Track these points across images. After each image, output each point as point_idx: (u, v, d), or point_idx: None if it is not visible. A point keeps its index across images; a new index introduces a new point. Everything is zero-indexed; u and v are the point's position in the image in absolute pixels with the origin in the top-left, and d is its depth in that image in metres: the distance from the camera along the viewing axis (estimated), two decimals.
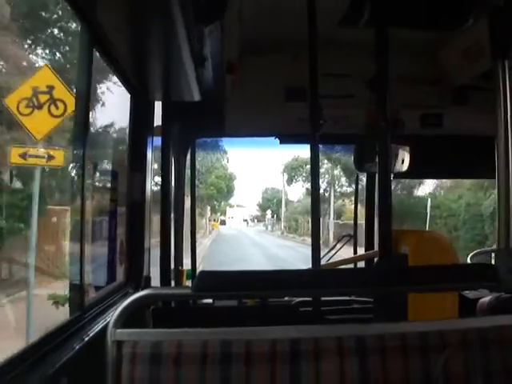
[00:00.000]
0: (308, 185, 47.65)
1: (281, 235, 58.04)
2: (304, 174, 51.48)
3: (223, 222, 74.42)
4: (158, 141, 4.17)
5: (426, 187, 32.80)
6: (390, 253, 3.41)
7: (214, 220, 68.08)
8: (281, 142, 4.89)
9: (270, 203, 71.96)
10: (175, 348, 2.08)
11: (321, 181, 42.53)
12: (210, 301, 4.32)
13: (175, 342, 2.09)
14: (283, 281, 2.20)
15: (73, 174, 2.97)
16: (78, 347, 2.44)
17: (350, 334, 2.14)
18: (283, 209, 63.28)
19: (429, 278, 2.26)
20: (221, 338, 2.10)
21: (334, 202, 44.21)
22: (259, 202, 76.99)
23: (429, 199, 27.82)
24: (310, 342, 2.10)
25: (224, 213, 76.32)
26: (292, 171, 53.88)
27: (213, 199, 56.99)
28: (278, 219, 68.02)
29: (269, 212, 72.64)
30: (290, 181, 55.61)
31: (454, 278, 2.29)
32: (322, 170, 41.75)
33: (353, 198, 5.79)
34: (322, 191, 42.89)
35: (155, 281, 4.18)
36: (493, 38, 2.97)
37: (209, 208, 57.21)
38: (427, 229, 23.76)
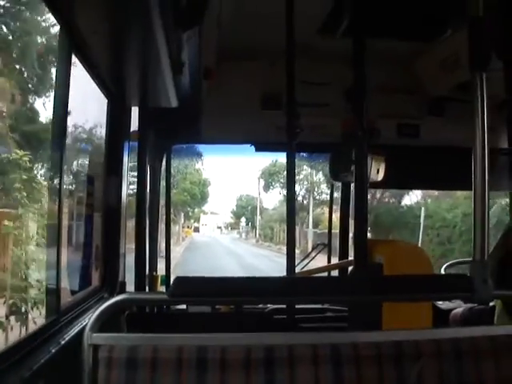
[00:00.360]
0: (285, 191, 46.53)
1: (256, 243, 56.24)
2: (282, 180, 48.71)
3: (197, 229, 73.12)
4: (134, 146, 4.16)
5: (414, 196, 31.65)
6: (365, 262, 3.43)
7: (188, 227, 66.78)
8: (256, 150, 4.89)
9: (245, 210, 70.28)
10: (151, 353, 2.07)
11: (299, 188, 41.96)
12: (183, 307, 4.31)
13: (151, 347, 2.08)
14: (259, 288, 2.21)
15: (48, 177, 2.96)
16: (54, 351, 2.42)
17: (325, 342, 2.14)
18: (258, 216, 61.96)
19: (403, 287, 2.28)
20: (197, 343, 2.11)
21: (313, 210, 43.32)
22: (233, 209, 75.42)
23: (422, 208, 26.75)
24: (285, 349, 2.11)
25: (198, 220, 74.68)
26: (269, 177, 51.27)
27: (186, 205, 55.55)
28: (253, 227, 66.85)
29: (243, 220, 71.44)
30: (267, 187, 53.36)
31: (429, 288, 2.31)
32: (300, 177, 40.37)
33: None
34: (300, 198, 42.38)
35: (129, 286, 4.16)
36: (471, 49, 2.99)
37: (182, 214, 55.87)
38: (420, 240, 23.44)
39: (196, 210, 66.86)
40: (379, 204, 30.60)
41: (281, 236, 47.80)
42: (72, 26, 2.66)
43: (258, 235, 60.66)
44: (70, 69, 2.83)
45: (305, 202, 43.54)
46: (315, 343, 2.13)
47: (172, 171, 5.13)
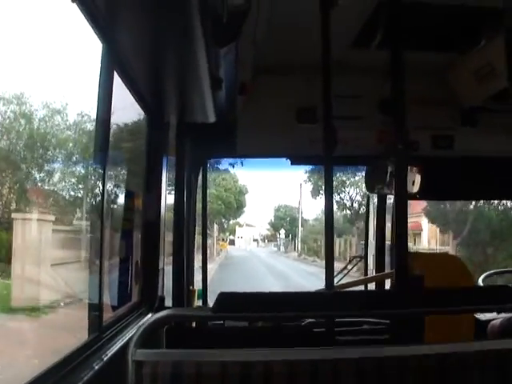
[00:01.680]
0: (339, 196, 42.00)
1: (298, 258, 51.09)
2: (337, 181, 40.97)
3: (232, 242, 69.80)
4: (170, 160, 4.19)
5: None
6: (406, 274, 3.41)
7: (223, 239, 62.11)
8: (292, 163, 4.90)
9: (283, 222, 66.61)
10: (195, 368, 2.08)
11: (354, 192, 40.00)
12: (221, 321, 4.33)
13: (195, 363, 2.09)
14: (301, 303, 2.22)
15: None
16: (97, 367, 2.44)
17: (368, 356, 2.14)
18: (299, 228, 57.02)
19: (446, 300, 2.27)
20: (240, 359, 2.11)
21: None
22: (271, 220, 71.79)
23: None
24: (329, 364, 2.11)
25: (233, 232, 71.65)
26: (320, 179, 37.34)
27: (220, 216, 51.52)
28: (293, 239, 62.40)
29: (282, 232, 66.92)
30: (316, 192, 44.63)
31: (472, 300, 2.30)
32: (356, 178, 38.19)
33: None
34: (356, 205, 39.86)
35: (167, 300, 4.19)
36: (508, 58, 2.98)
37: (216, 226, 50.33)
38: None
39: (231, 221, 64.30)
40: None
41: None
42: (114, 44, 2.70)
43: (300, 248, 56.01)
44: (112, 86, 2.87)
45: (362, 209, 37.93)
46: (358, 358, 2.14)
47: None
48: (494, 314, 4.45)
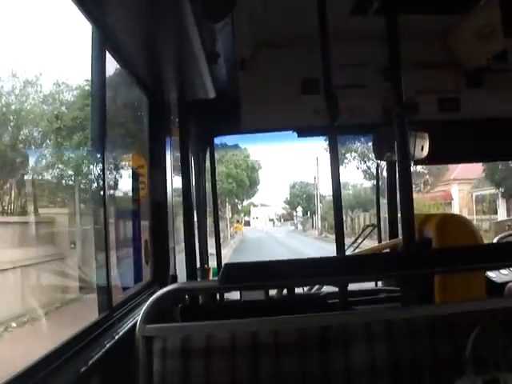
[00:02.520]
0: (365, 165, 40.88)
1: (319, 236, 47.44)
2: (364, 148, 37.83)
3: (247, 223, 68.54)
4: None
5: None
6: (413, 238, 3.41)
7: (237, 221, 58.78)
8: (299, 135, 4.89)
9: (299, 199, 64.45)
10: (204, 341, 2.10)
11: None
12: (237, 296, 4.34)
13: (204, 336, 2.11)
14: (310, 268, 2.22)
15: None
16: (108, 345, 2.46)
17: (378, 319, 2.15)
18: (318, 204, 53.46)
19: (455, 258, 2.26)
20: (249, 329, 2.13)
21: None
22: (287, 198, 69.60)
23: None
24: (338, 328, 2.12)
25: (248, 213, 69.98)
26: (342, 147, 37.24)
27: (232, 195, 47.35)
28: (311, 217, 60.29)
29: (299, 209, 64.64)
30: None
31: (482, 258, 2.29)
32: None
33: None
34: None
35: (182, 281, 4.20)
36: (505, 16, 2.94)
37: (229, 207, 46.66)
38: None
39: (245, 201, 60.36)
40: None
41: (352, 225, 41.45)
42: (104, 24, 2.69)
43: (320, 226, 52.55)
44: (105, 67, 2.86)
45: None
46: (368, 321, 2.14)
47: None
48: (510, 276, 4.44)
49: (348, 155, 41.22)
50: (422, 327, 2.13)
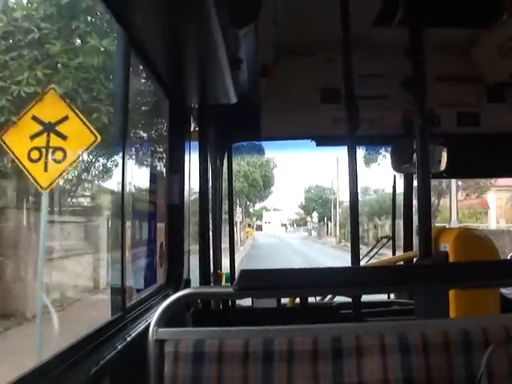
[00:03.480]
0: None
1: (338, 245, 44.19)
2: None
3: (259, 228, 66.89)
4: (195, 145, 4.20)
5: None
6: (430, 252, 3.40)
7: (249, 225, 56.26)
8: (317, 144, 4.88)
9: (315, 204, 61.55)
10: (217, 347, 2.10)
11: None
12: (249, 303, 4.34)
13: (217, 341, 2.11)
14: (325, 278, 2.22)
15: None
16: (120, 346, 2.47)
17: (392, 331, 2.14)
18: (337, 210, 49.40)
19: (470, 274, 2.26)
20: (262, 336, 2.12)
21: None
22: (301, 203, 66.90)
23: None
24: (352, 339, 2.11)
25: (260, 217, 68.38)
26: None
27: (243, 196, 43.15)
28: (325, 223, 57.01)
29: (315, 215, 61.00)
30: (368, 161, 37.24)
31: (497, 274, 2.29)
32: None
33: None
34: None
35: (194, 285, 4.20)
36: None
37: (239, 210, 42.35)
38: None
39: (257, 205, 58.13)
40: None
41: (373, 235, 37.01)
42: (130, 26, 2.71)
43: (338, 233, 48.62)
44: (129, 68, 2.88)
45: (444, 184, 33.34)
46: (382, 332, 2.14)
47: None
48: None
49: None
50: (436, 341, 2.12)
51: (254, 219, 65.12)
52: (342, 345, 2.11)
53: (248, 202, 47.14)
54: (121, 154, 2.86)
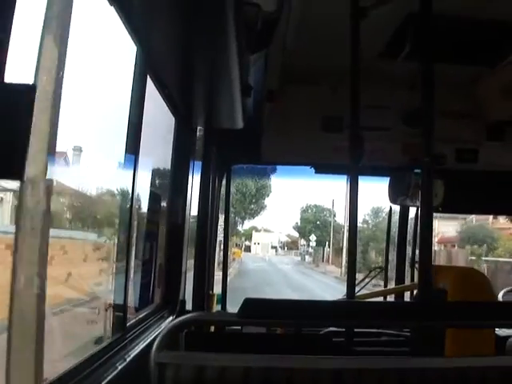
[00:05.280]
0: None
1: (342, 277, 32.30)
2: None
3: (248, 249, 62.61)
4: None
5: None
6: (430, 288, 3.42)
7: (237, 245, 51.28)
8: (316, 172, 4.90)
9: (312, 226, 55.36)
10: (218, 373, 2.10)
11: None
12: (238, 327, 4.34)
13: (218, 367, 2.11)
14: (325, 311, 2.23)
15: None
16: (120, 367, 2.46)
17: (391, 367, 2.15)
18: (344, 233, 40.33)
19: (468, 313, 2.27)
20: (263, 364, 2.13)
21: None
22: (296, 223, 60.18)
23: None
24: (352, 374, 2.12)
25: (249, 237, 64.18)
26: None
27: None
28: (323, 248, 51.08)
29: (312, 237, 54.41)
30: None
31: (494, 315, 2.30)
32: None
33: None
34: None
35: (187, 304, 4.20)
36: None
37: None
38: None
39: (247, 225, 54.43)
40: None
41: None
42: (148, 47, 2.73)
43: (345, 262, 37.97)
44: (145, 88, 2.90)
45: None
46: (381, 368, 2.15)
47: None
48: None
49: None
50: (435, 379, 2.13)
51: (243, 239, 61.99)
52: (342, 379, 2.11)
53: (236, 218, 43.07)
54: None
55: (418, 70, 3.47)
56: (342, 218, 48.23)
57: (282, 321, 2.36)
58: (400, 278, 5.13)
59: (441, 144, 4.30)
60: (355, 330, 4.05)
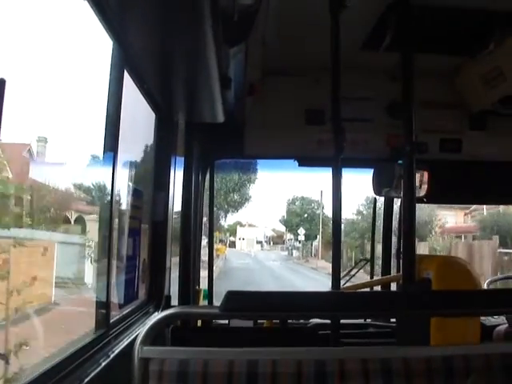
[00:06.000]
0: None
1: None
2: None
3: (233, 244, 61.42)
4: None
5: None
6: (413, 277, 3.42)
7: (220, 241, 48.33)
8: (300, 165, 4.89)
9: (300, 220, 52.79)
10: (202, 367, 2.09)
11: None
12: (226, 321, 4.33)
13: (202, 361, 2.10)
14: (309, 302, 2.22)
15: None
16: (104, 363, 2.45)
17: (375, 357, 2.15)
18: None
19: (453, 302, 2.27)
20: (247, 357, 2.12)
21: None
22: (283, 217, 57.15)
23: None
24: (336, 363, 2.11)
25: (234, 233, 62.95)
26: None
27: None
28: (311, 242, 49.11)
29: (301, 231, 51.18)
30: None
31: (479, 303, 2.30)
32: None
33: None
34: None
35: (173, 300, 4.19)
36: None
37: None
38: None
39: (231, 219, 52.27)
40: None
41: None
42: (124, 42, 2.71)
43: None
44: (123, 84, 2.87)
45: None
46: (365, 358, 2.14)
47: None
48: (499, 320, 4.45)
49: None
50: (419, 368, 2.12)
51: (228, 234, 60.85)
52: (325, 369, 2.11)
53: (219, 211, 40.66)
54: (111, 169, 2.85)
55: (400, 60, 3.48)
56: (331, 210, 45.36)
57: (265, 313, 2.36)
58: (386, 270, 5.13)
59: (425, 134, 4.31)
60: (342, 322, 4.05)
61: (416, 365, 2.12)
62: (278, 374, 2.10)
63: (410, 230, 3.43)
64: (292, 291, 2.39)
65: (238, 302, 2.14)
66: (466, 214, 35.30)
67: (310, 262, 43.28)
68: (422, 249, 25.57)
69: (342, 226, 3.58)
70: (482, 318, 4.48)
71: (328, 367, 2.11)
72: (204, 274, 4.88)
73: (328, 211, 42.40)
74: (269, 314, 2.46)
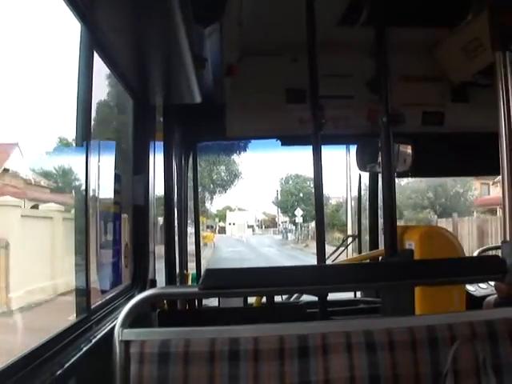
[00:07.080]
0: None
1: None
2: None
3: (223, 230, 60.56)
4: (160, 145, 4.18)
5: None
6: (395, 249, 3.43)
7: (208, 227, 45.43)
8: (282, 144, 4.88)
9: (295, 199, 50.68)
10: (183, 347, 2.09)
11: None
12: (215, 303, 4.33)
13: (183, 341, 2.10)
14: (290, 277, 2.22)
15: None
16: (85, 348, 2.44)
17: (358, 329, 2.15)
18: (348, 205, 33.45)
19: (435, 270, 2.28)
20: (228, 335, 2.12)
21: None
22: (276, 198, 55.06)
23: None
24: (318, 337, 2.12)
25: (223, 218, 62.32)
26: None
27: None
28: (308, 223, 45.94)
29: (298, 212, 48.38)
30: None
31: (461, 271, 2.31)
32: None
33: None
34: None
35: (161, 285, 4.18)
36: (492, 29, 2.96)
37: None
38: None
39: (220, 204, 51.55)
40: None
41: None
42: (93, 24, 2.67)
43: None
44: (92, 67, 2.84)
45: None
46: (348, 330, 2.14)
47: None
48: (488, 290, 4.47)
49: None
50: (402, 338, 2.13)
51: (217, 220, 59.53)
52: (308, 343, 2.11)
53: (204, 193, 37.72)
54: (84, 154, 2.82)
55: (375, 34, 3.48)
56: (328, 188, 42.99)
57: (247, 289, 2.35)
58: (374, 245, 5.15)
59: (406, 108, 4.30)
60: (331, 299, 4.07)
61: (399, 335, 2.13)
62: (260, 351, 2.10)
63: (390, 202, 3.44)
64: (275, 266, 2.38)
65: (218, 279, 2.14)
66: (494, 183, 34.20)
67: (311, 247, 38.08)
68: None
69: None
70: (472, 288, 4.51)
71: (310, 342, 2.11)
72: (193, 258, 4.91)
73: (329, 189, 42.40)
74: (251, 290, 2.45)
